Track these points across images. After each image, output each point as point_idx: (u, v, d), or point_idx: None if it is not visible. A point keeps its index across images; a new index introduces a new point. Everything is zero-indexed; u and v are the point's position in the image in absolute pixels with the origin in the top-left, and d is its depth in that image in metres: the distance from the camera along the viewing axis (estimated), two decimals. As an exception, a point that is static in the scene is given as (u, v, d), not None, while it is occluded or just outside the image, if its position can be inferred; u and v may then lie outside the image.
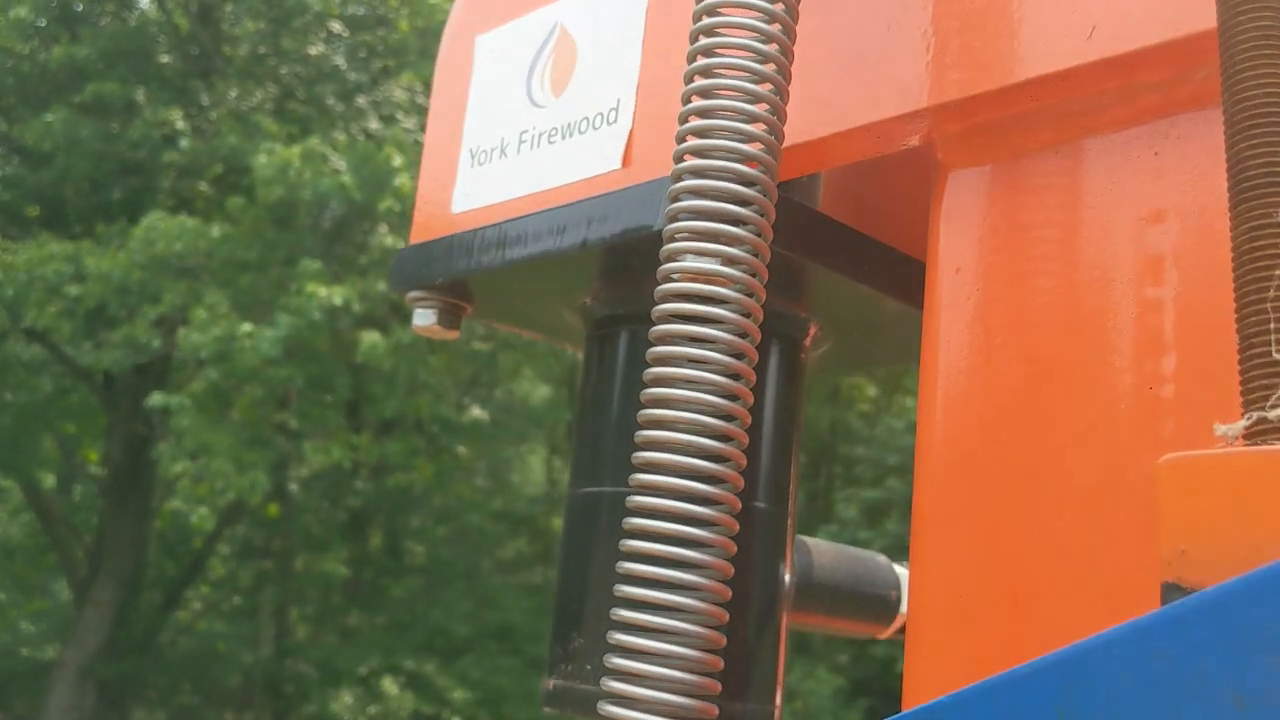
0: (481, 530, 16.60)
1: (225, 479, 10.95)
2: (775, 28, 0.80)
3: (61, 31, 12.53)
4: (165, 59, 12.88)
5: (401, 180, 11.22)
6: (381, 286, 11.71)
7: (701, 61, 0.83)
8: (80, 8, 12.71)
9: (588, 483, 1.10)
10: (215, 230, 11.18)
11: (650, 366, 0.81)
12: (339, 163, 11.43)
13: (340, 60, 12.37)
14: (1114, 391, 0.74)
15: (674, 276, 0.81)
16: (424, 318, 1.17)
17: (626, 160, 1.01)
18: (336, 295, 10.84)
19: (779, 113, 0.81)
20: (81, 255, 11.09)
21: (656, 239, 0.96)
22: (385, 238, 11.97)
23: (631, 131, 1.02)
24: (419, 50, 12.60)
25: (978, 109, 0.80)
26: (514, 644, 15.74)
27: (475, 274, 1.11)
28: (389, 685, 15.06)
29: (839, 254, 1.01)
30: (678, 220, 0.81)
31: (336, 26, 12.30)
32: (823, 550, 1.26)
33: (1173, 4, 0.70)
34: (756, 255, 0.80)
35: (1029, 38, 0.77)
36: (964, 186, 0.85)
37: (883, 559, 1.35)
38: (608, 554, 1.09)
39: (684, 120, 0.84)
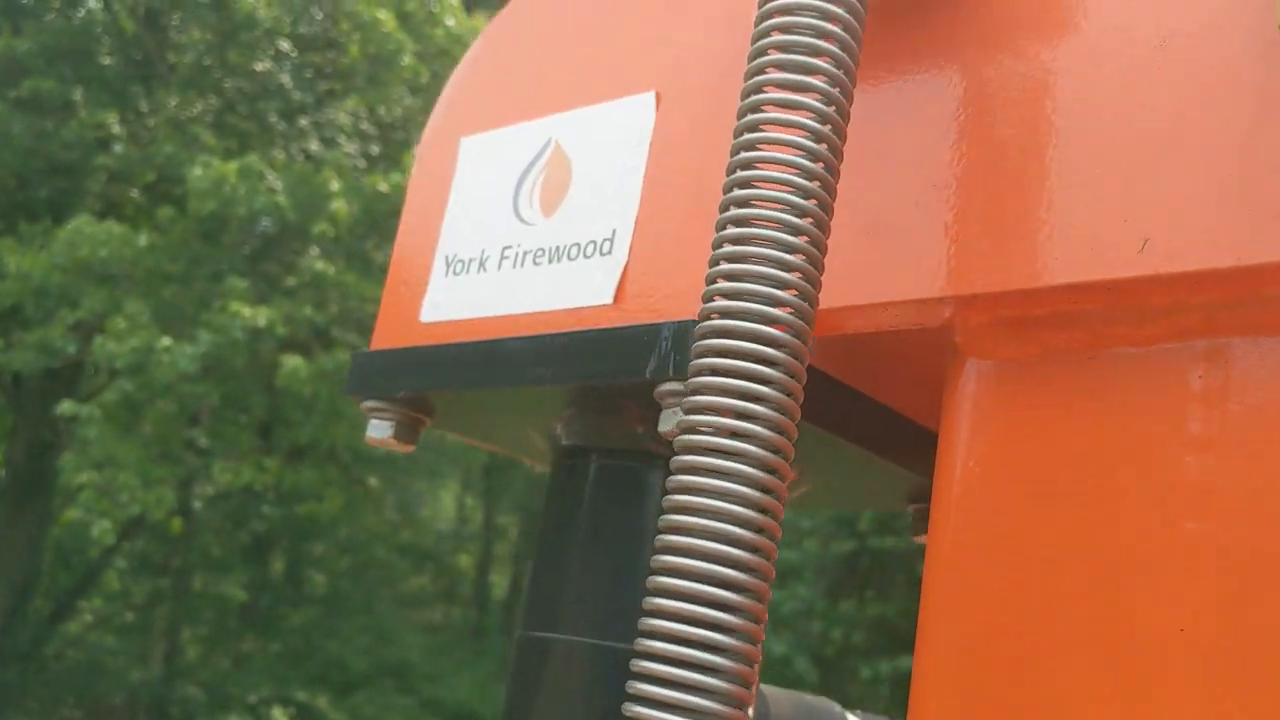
0: (385, 564, 16.33)
1: (130, 493, 10.65)
2: (815, 184, 0.75)
3: (4, 24, 12.23)
4: (107, 60, 12.63)
5: (337, 205, 11.07)
6: (308, 310, 11.52)
7: (735, 212, 0.77)
8: (27, 1, 12.43)
9: (541, 626, 1.04)
10: (142, 239, 10.92)
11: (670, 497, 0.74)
12: (275, 182, 11.24)
13: (286, 79, 12.21)
14: (1137, 632, 0.69)
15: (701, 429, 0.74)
16: (380, 430, 1.09)
17: (619, 296, 0.95)
18: (261, 316, 10.63)
19: (813, 280, 0.75)
20: (2, 253, 10.77)
21: (645, 384, 0.90)
22: (316, 261, 11.78)
23: (627, 266, 0.96)
24: (367, 76, 12.49)
25: (1006, 305, 0.76)
26: (409, 682, 15.45)
27: (442, 393, 1.05)
28: (279, 716, 14.69)
29: (828, 413, 0.96)
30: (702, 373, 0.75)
31: (285, 45, 12.14)
32: (779, 699, 1.21)
33: (1232, 230, 0.66)
34: (783, 414, 0.73)
35: (1072, 238, 0.72)
36: (984, 378, 0.80)
37: (836, 708, 1.30)
38: (555, 708, 1.02)
39: (714, 264, 0.77)
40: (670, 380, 0.87)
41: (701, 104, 0.97)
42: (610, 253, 0.98)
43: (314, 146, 12.36)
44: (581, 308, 0.97)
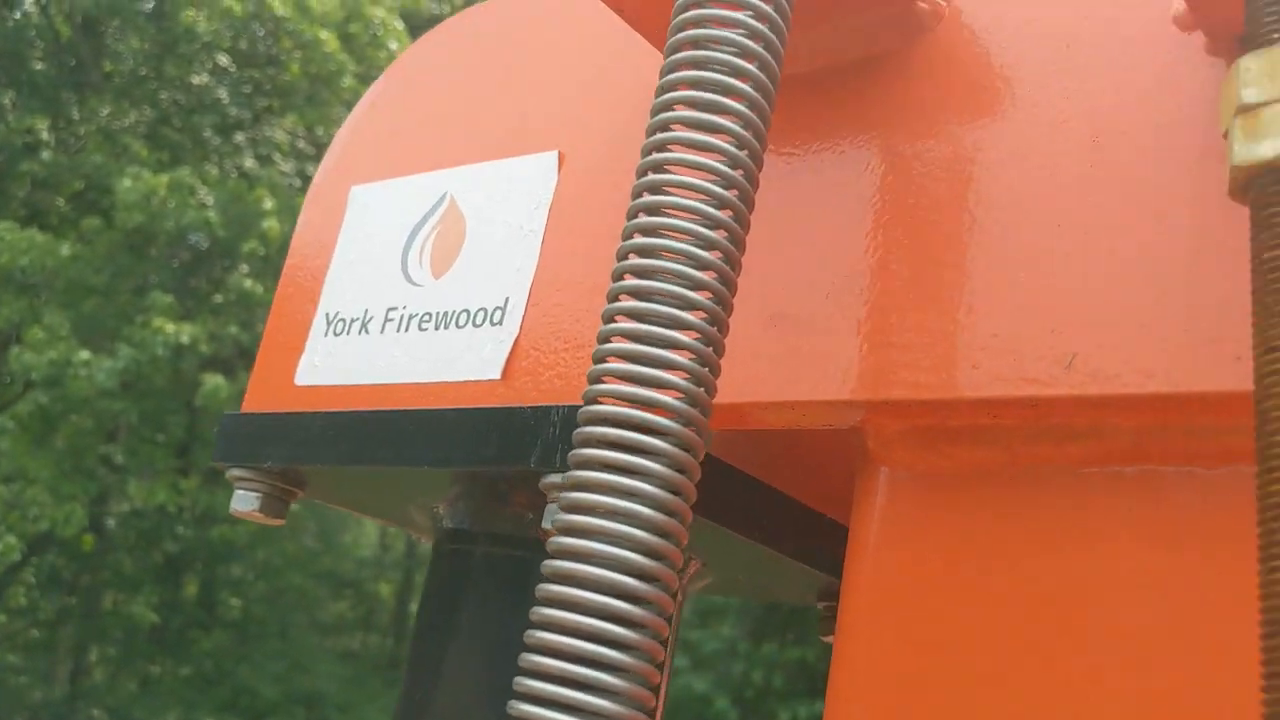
0: (303, 589, 16.03)
1: (40, 508, 10.35)
2: (716, 256, 0.66)
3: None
4: (39, 65, 12.36)
5: (270, 223, 10.88)
6: (233, 329, 11.30)
7: (628, 283, 0.68)
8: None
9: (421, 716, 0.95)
10: (66, 249, 10.66)
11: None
12: (207, 197, 11.05)
13: (223, 93, 12.02)
14: (1051, 788, 0.62)
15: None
16: (245, 501, 1.00)
17: (509, 372, 0.87)
18: (184, 332, 10.41)
19: (711, 363, 0.67)
20: (-84, 256, 10.46)
21: (532, 472, 0.82)
22: (245, 280, 11.57)
23: (518, 339, 0.88)
24: (307, 95, 12.34)
25: (921, 414, 0.69)
26: (321, 712, 15.11)
27: (314, 467, 0.96)
28: (184, 742, 14.29)
29: (732, 510, 0.88)
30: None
31: (224, 59, 11.96)
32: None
33: (1166, 353, 0.60)
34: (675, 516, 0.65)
35: (993, 348, 0.66)
36: (896, 489, 0.73)
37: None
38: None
39: (602, 340, 0.68)
40: (557, 471, 0.79)
41: (605, 168, 0.90)
42: (501, 323, 0.90)
43: (249, 163, 12.17)
44: (468, 382, 0.89)
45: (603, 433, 0.64)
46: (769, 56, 0.66)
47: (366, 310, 0.99)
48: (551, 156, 0.93)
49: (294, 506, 1.05)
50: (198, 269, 11.92)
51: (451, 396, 0.89)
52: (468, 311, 0.92)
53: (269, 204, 11.06)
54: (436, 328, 0.94)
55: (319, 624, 17.13)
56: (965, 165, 0.71)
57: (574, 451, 0.65)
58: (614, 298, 0.68)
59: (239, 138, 12.22)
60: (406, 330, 0.95)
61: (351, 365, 0.98)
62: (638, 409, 0.63)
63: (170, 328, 10.20)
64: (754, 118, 0.67)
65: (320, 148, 12.74)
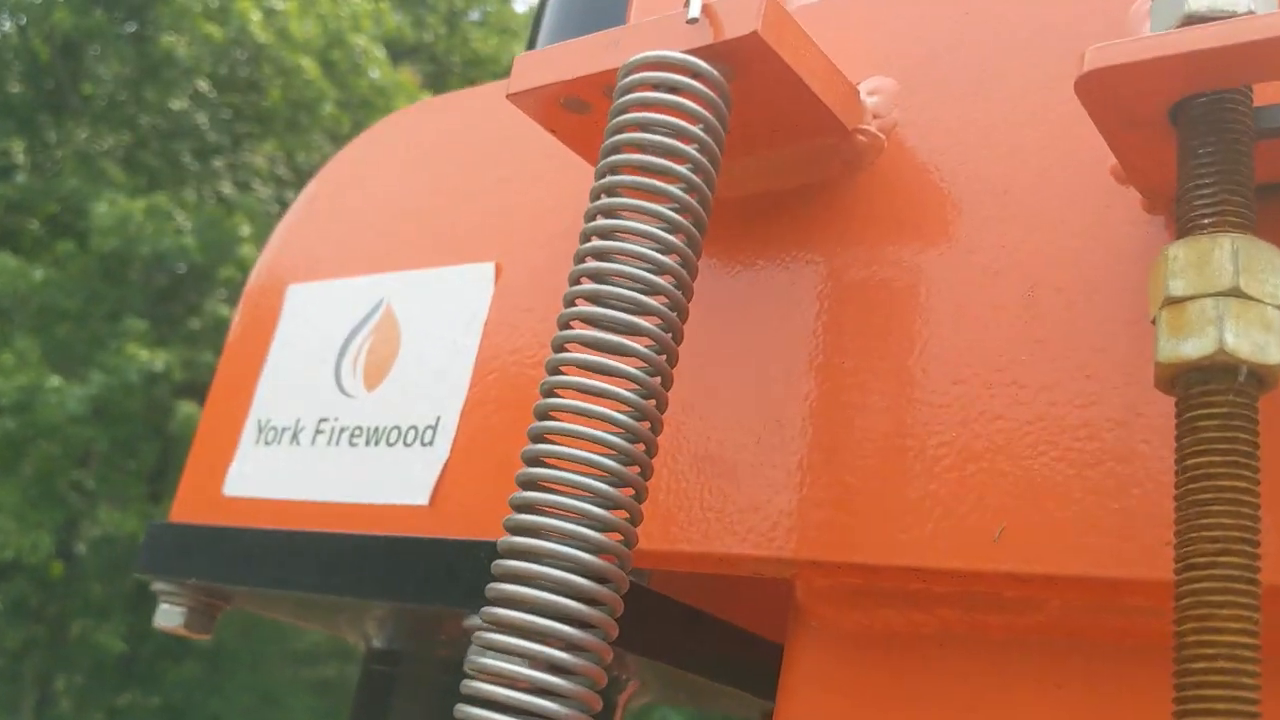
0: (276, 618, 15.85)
1: (5, 535, 10.22)
2: (655, 382, 0.64)
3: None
4: (16, 88, 12.29)
5: (247, 249, 10.82)
6: (208, 357, 11.22)
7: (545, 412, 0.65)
8: (-67, 22, 12.09)
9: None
10: (39, 273, 10.57)
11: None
12: (184, 222, 10.98)
13: (202, 118, 11.97)
14: None
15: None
16: (169, 617, 0.97)
17: (437, 497, 0.84)
18: (158, 360, 10.32)
19: (637, 488, 0.64)
20: (-113, 279, 10.36)
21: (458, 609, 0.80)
22: (220, 306, 11.49)
23: (448, 463, 0.85)
24: (287, 121, 12.30)
25: (850, 575, 0.66)
26: (292, 741, 14.94)
27: (238, 587, 0.93)
28: (152, 773, 14.10)
29: (666, 644, 0.85)
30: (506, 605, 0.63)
31: (204, 85, 11.92)
32: None
33: (1096, 536, 0.58)
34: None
35: (923, 512, 0.63)
36: (824, 646, 0.70)
37: None
38: None
39: (524, 470, 0.66)
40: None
41: (543, 280, 0.88)
42: (431, 443, 0.87)
43: (227, 189, 12.12)
44: (396, 505, 0.86)
45: (522, 569, 0.61)
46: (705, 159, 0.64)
47: (298, 420, 0.96)
48: (488, 268, 0.91)
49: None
50: (173, 295, 11.84)
51: (378, 521, 0.86)
52: (398, 429, 0.89)
53: (246, 230, 11.01)
54: (367, 443, 0.91)
55: (293, 653, 16.96)
56: (903, 309, 0.68)
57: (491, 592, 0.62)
58: (540, 414, 0.65)
59: (217, 163, 12.17)
60: (337, 444, 0.93)
61: (281, 478, 0.95)
62: (566, 545, 0.61)
63: (144, 354, 10.12)
64: (686, 221, 0.65)
65: (300, 174, 12.70)
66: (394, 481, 0.87)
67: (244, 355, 1.05)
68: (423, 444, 0.87)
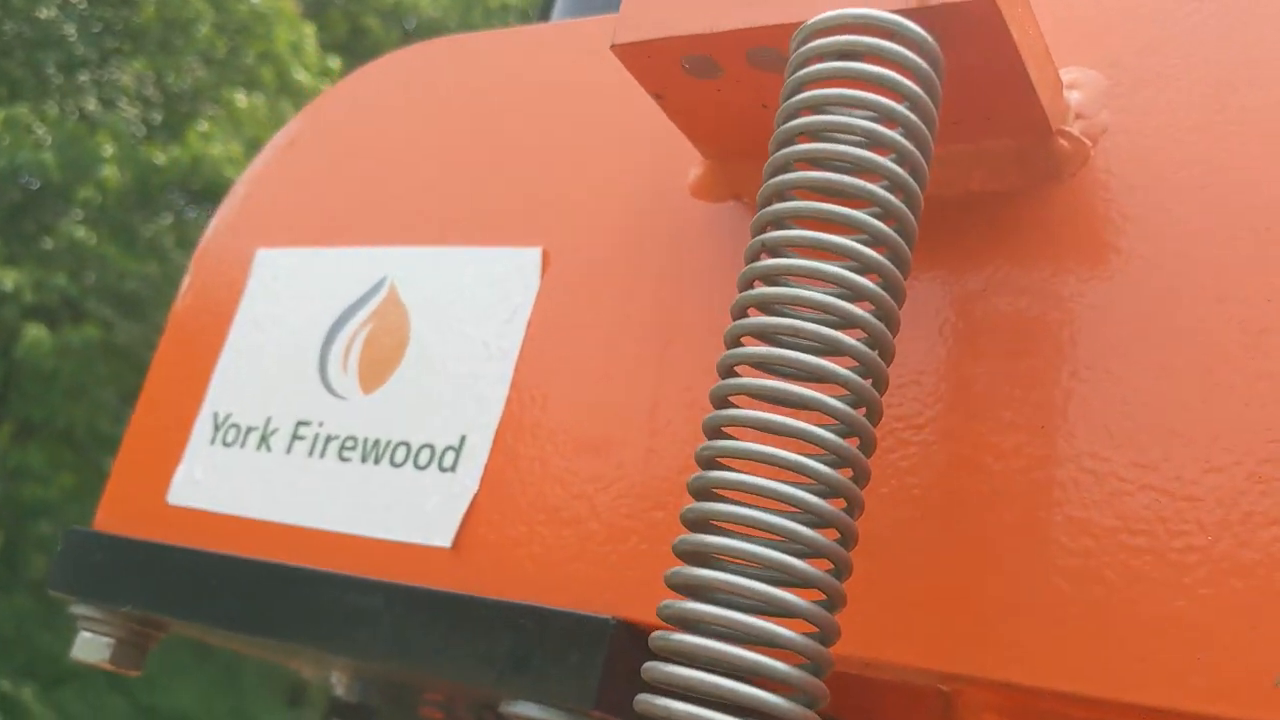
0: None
1: None
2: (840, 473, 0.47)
3: None
4: None
5: (109, 171, 10.26)
6: (61, 279, 10.64)
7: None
8: None
9: None
10: (-120, 177, 9.86)
11: None
12: (44, 137, 10.36)
13: (70, 30, 11.29)
14: None
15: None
16: (91, 649, 0.78)
17: (463, 541, 0.67)
18: (8, 279, 9.74)
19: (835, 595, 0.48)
20: None
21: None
22: (77, 228, 10.88)
23: (478, 497, 0.68)
24: (159, 40, 11.68)
25: (1050, 702, 0.52)
26: (123, 683, 14.43)
27: (188, 623, 0.74)
28: (-28, 708, 13.48)
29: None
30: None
31: (74, -7, 11.23)
32: None
33: None
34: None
35: (1166, 638, 0.49)
36: (987, 778, 0.56)
37: None
38: None
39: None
40: (526, 704, 0.60)
41: (599, 274, 0.71)
42: (454, 469, 0.70)
43: (91, 106, 11.46)
44: (405, 545, 0.69)
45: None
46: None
47: (269, 419, 0.78)
48: (532, 254, 0.73)
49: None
50: (26, 212, 11.18)
51: (383, 562, 0.69)
52: (407, 446, 0.72)
53: (109, 150, 10.44)
54: (364, 460, 0.73)
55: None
56: (1132, 367, 0.54)
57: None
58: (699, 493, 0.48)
59: (83, 78, 11.50)
60: (323, 456, 0.75)
61: (245, 490, 0.76)
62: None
63: (-9, 272, 9.53)
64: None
65: (168, 96, 12.10)
66: (404, 514, 0.70)
67: (196, 332, 0.85)
68: (441, 468, 0.70)
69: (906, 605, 0.54)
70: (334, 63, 11.88)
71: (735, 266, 0.67)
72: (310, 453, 0.75)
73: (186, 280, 0.88)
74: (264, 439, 0.77)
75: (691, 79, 0.59)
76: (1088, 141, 0.59)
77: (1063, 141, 0.58)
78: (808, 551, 0.45)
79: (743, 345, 0.49)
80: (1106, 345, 0.55)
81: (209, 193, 10.84)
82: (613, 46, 0.59)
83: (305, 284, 0.82)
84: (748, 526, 0.46)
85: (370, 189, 0.83)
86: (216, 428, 0.80)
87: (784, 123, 0.51)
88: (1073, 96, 0.59)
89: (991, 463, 0.55)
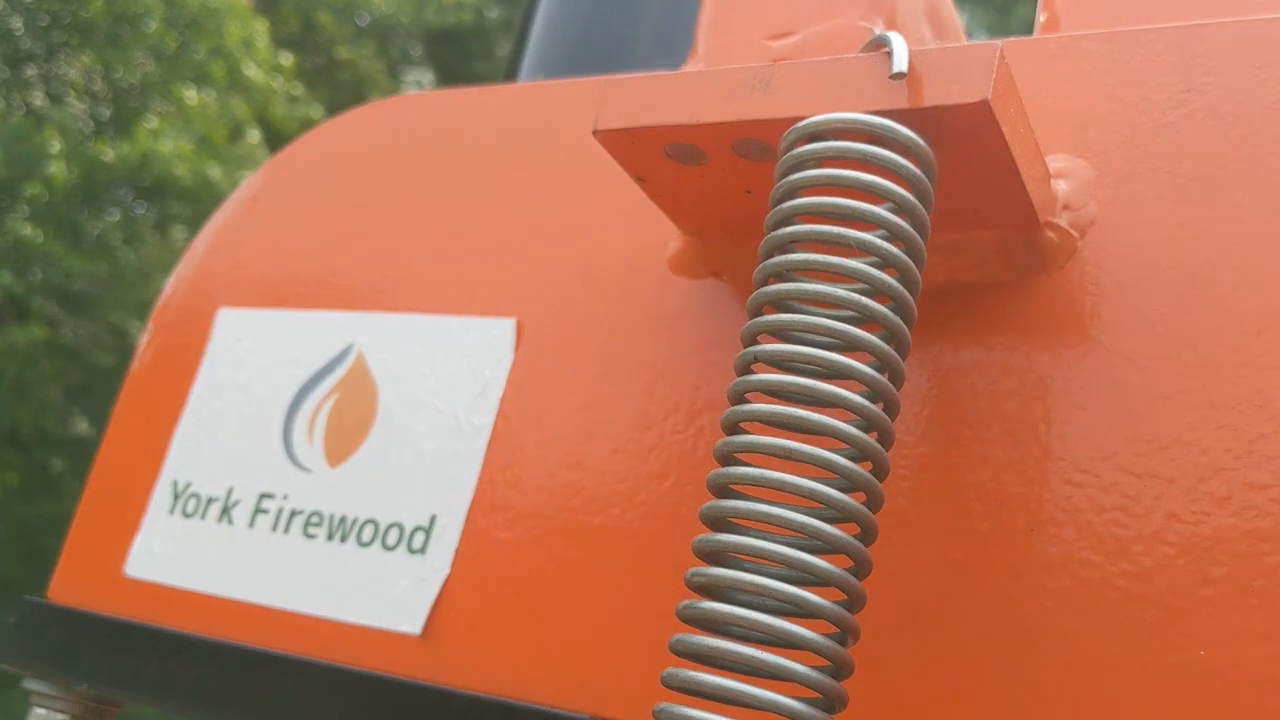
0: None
1: None
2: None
3: None
4: None
5: (55, 167, 10.09)
6: (6, 278, 10.45)
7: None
8: None
9: None
10: None
11: None
12: (-12, 132, 10.17)
13: (17, 23, 11.10)
14: None
15: None
16: (46, 729, 0.75)
17: (433, 628, 0.66)
18: (-50, 276, 9.56)
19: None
20: None
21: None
22: (23, 225, 10.70)
23: (449, 581, 0.66)
24: (108, 34, 11.51)
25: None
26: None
27: (146, 704, 0.72)
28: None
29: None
30: None
31: (21, -14, 11.04)
32: None
33: None
34: None
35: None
36: None
37: None
38: None
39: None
40: (502, 805, 0.58)
41: (577, 351, 0.69)
42: (423, 551, 0.68)
43: (38, 100, 11.27)
44: (374, 630, 0.67)
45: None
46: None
47: (231, 490, 0.76)
48: (506, 325, 0.72)
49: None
50: (-31, 209, 10.97)
51: (348, 647, 0.67)
52: (375, 524, 0.70)
53: (56, 146, 10.27)
54: (329, 537, 0.71)
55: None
56: (1141, 485, 0.53)
57: None
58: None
59: (30, 72, 11.31)
60: (287, 531, 0.72)
61: (205, 565, 0.74)
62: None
63: (-67, 271, 9.35)
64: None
65: (117, 91, 11.93)
66: (372, 597, 0.68)
67: (154, 393, 0.83)
68: (410, 550, 0.68)
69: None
70: (286, 59, 11.75)
71: (713, 344, 0.66)
72: (274, 527, 0.73)
73: (144, 338, 0.85)
74: (225, 510, 0.75)
75: (674, 164, 0.58)
76: (1075, 233, 0.58)
77: (1050, 234, 0.57)
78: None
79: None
80: (1093, 448, 0.54)
81: (158, 190, 10.71)
82: (595, 132, 0.57)
83: (269, 347, 0.79)
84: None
85: (338, 249, 0.81)
86: (176, 497, 0.77)
87: (774, 227, 0.50)
88: (1060, 186, 0.59)
89: (973, 564, 0.54)
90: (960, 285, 0.59)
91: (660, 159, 0.58)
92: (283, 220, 0.85)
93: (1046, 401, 0.56)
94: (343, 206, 0.82)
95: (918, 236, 0.49)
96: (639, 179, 0.60)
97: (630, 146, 0.57)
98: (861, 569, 0.47)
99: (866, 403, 0.47)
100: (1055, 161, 0.60)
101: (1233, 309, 0.54)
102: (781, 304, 0.50)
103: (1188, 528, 0.51)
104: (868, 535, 0.47)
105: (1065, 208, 0.58)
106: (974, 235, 0.58)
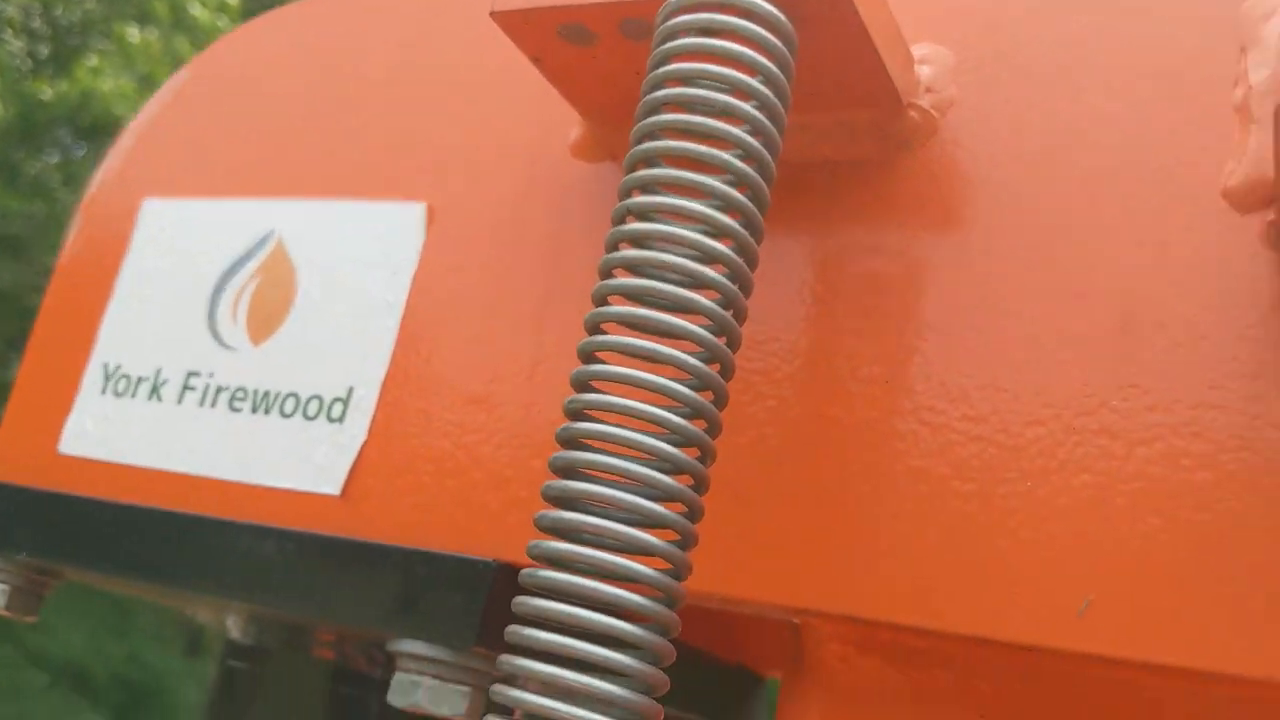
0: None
1: None
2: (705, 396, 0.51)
3: None
4: None
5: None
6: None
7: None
8: None
9: None
10: None
11: None
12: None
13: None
14: None
15: None
16: (-16, 595, 0.79)
17: (351, 489, 0.70)
18: (-117, 218, 9.39)
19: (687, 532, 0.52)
20: None
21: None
22: (-43, 165, 10.51)
23: (365, 447, 0.71)
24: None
25: (890, 633, 0.57)
26: (9, 629, 14.15)
27: (83, 570, 0.76)
28: None
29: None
30: None
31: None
32: None
33: (1209, 632, 0.50)
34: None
35: (992, 576, 0.54)
36: (829, 698, 0.61)
37: None
38: None
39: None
40: (413, 643, 0.64)
41: (484, 236, 0.74)
42: (341, 420, 0.72)
43: (-27, 37, 11.02)
44: (296, 492, 0.72)
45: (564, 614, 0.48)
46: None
47: (159, 370, 0.80)
48: (417, 210, 0.76)
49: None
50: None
51: (274, 509, 0.72)
52: (296, 397, 0.74)
53: (-11, 87, 10.07)
54: (254, 410, 0.75)
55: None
56: (960, 327, 0.59)
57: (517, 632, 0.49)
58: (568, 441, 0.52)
59: (-37, 6, 11.05)
60: (213, 406, 0.77)
61: (136, 440, 0.78)
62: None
63: None
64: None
65: (56, 29, 11.70)
66: (292, 462, 0.72)
67: (82, 281, 0.86)
68: (330, 419, 0.73)
69: (761, 546, 0.59)
70: (231, -2, 11.54)
71: (609, 225, 0.70)
72: (201, 403, 0.77)
73: (73, 229, 0.89)
74: (155, 389, 0.79)
75: (567, 45, 0.62)
76: (936, 114, 0.63)
77: (913, 114, 0.63)
78: (664, 495, 0.49)
79: (614, 276, 0.53)
80: (947, 307, 0.59)
81: (98, 130, 10.52)
82: (491, 13, 0.62)
83: (193, 235, 0.83)
84: (609, 472, 0.50)
85: (259, 141, 0.85)
86: (107, 378, 0.81)
87: (649, 93, 0.54)
88: (923, 71, 0.64)
89: (841, 415, 0.60)
90: (831, 163, 0.64)
91: (554, 39, 0.62)
92: (207, 115, 0.88)
93: (908, 267, 0.61)
94: (265, 101, 0.86)
95: (778, 102, 0.53)
96: (535, 60, 0.64)
97: (525, 27, 0.61)
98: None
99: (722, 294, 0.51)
100: (920, 49, 0.64)
101: (1075, 181, 0.59)
102: (648, 188, 0.54)
103: (1023, 375, 0.57)
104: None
105: (927, 90, 0.63)
106: (840, 115, 0.63)
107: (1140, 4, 0.61)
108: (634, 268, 0.52)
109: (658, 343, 0.50)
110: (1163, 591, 0.51)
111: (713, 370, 0.51)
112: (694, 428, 0.50)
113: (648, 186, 0.53)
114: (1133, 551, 0.52)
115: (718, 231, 0.52)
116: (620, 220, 0.54)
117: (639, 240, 0.52)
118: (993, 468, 0.56)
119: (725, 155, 0.52)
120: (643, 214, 0.53)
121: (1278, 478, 0.51)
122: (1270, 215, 0.53)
